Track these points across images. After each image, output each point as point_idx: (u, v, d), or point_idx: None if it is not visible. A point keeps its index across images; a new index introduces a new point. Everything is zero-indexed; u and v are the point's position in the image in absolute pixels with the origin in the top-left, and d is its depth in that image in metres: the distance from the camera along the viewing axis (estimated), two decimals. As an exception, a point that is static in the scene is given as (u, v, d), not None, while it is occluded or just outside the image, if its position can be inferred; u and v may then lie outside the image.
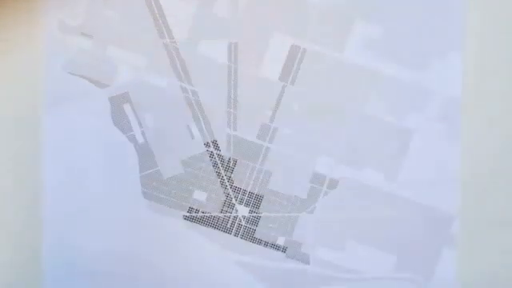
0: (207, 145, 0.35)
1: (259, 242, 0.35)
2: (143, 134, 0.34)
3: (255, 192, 0.35)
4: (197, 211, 0.35)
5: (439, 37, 0.35)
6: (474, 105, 0.35)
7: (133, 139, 0.34)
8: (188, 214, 0.35)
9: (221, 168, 0.35)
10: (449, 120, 0.35)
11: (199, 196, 0.35)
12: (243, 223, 0.35)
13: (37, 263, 0.34)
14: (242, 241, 0.35)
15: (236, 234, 0.35)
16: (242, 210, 0.35)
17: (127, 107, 0.34)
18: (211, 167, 0.35)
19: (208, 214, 0.35)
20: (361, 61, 0.35)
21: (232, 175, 0.35)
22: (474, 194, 0.35)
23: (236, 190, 0.35)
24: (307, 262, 0.35)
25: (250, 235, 0.35)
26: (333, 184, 0.35)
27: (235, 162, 0.35)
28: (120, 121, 0.34)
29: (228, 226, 0.35)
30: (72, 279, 0.34)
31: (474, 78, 0.35)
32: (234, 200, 0.35)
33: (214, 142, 0.35)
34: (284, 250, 0.35)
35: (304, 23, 0.35)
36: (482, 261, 0.35)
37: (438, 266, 0.34)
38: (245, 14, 0.35)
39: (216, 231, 0.35)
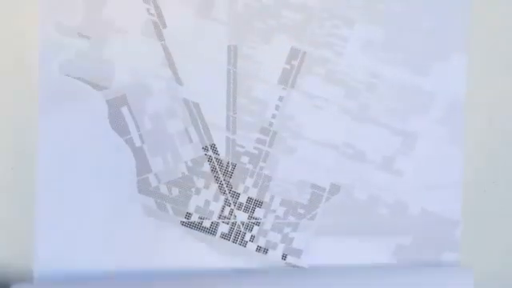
0: (206, 149, 0.34)
1: (258, 249, 0.34)
2: (141, 137, 0.34)
3: (254, 197, 0.34)
4: (194, 217, 0.34)
5: (442, 39, 0.34)
6: (477, 107, 0.34)
7: (130, 142, 0.34)
8: (185, 220, 0.34)
9: (219, 172, 0.34)
10: (452, 123, 0.34)
11: (197, 201, 0.34)
12: (242, 229, 0.34)
13: (30, 262, 0.33)
14: (241, 248, 0.34)
15: (234, 241, 0.34)
16: (241, 216, 0.34)
17: (125, 110, 0.34)
18: (209, 172, 0.34)
19: (206, 220, 0.34)
20: (362, 63, 0.34)
21: (231, 180, 0.34)
22: (476, 197, 0.34)
23: (235, 195, 0.34)
24: (307, 270, 0.34)
25: (248, 242, 0.34)
26: (335, 190, 0.34)
27: (234, 166, 0.34)
28: (117, 124, 0.34)
29: (226, 232, 0.34)
30: (66, 284, 0.33)
31: (477, 81, 0.34)
32: (232, 205, 0.34)
33: (213, 146, 0.34)
34: (284, 257, 0.34)
35: (304, 25, 0.34)
36: (485, 263, 0.34)
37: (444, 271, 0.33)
38: (244, 17, 0.34)
39: (214, 237, 0.34)
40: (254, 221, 0.34)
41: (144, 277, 0.33)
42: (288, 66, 0.34)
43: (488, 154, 0.34)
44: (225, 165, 0.34)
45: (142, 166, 0.34)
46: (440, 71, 0.34)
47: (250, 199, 0.34)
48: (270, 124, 0.34)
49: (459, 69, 0.34)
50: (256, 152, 0.34)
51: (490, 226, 0.34)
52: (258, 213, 0.34)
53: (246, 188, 0.34)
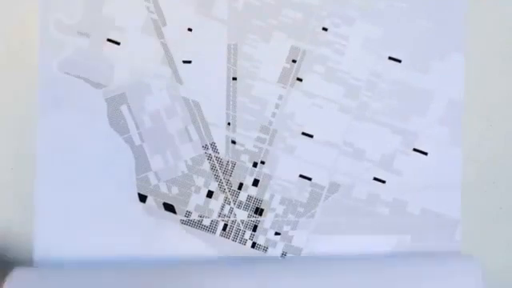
0: (205, 147, 0.34)
1: (258, 247, 0.34)
2: (140, 135, 0.34)
3: (254, 196, 0.34)
4: (194, 215, 0.34)
5: (441, 38, 0.35)
6: (475, 107, 0.35)
7: (129, 141, 0.34)
8: (185, 218, 0.34)
9: (219, 171, 0.34)
10: (451, 122, 0.34)
11: (197, 200, 0.34)
12: (241, 228, 0.34)
13: (30, 262, 0.33)
14: (241, 246, 0.34)
15: (234, 239, 0.34)
16: (241, 215, 0.34)
17: (124, 108, 0.34)
18: (209, 170, 0.34)
19: (206, 219, 0.34)
20: (361, 62, 0.34)
21: (230, 178, 0.34)
22: (476, 197, 0.34)
23: (234, 193, 0.34)
24: (307, 268, 0.34)
25: (248, 240, 0.34)
26: (334, 188, 0.34)
27: (234, 164, 0.34)
28: (117, 122, 0.34)
29: (226, 230, 0.34)
30: (65, 283, 0.33)
31: (476, 81, 0.35)
32: (232, 204, 0.34)
33: (213, 145, 0.34)
34: (283, 255, 0.34)
35: (304, 24, 0.34)
36: (485, 263, 0.34)
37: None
38: (244, 15, 0.34)
39: (214, 236, 0.34)
40: (253, 219, 0.34)
41: (144, 275, 0.33)
42: (288, 65, 0.34)
43: (488, 154, 0.35)
44: (225, 163, 0.34)
45: (142, 165, 0.34)
46: (439, 70, 0.34)
47: (249, 197, 0.34)
48: (270, 123, 0.34)
49: (457, 68, 0.35)
50: (256, 150, 0.34)
51: (489, 226, 0.34)
52: (258, 211, 0.34)
53: (246, 186, 0.34)
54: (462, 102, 0.34)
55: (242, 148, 0.34)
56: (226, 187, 0.34)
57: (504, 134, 0.35)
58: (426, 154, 0.34)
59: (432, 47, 0.35)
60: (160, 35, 0.34)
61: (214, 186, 0.34)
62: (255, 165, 0.34)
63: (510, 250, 0.35)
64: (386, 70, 0.34)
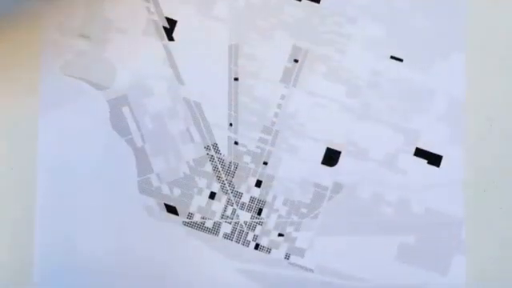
0: (207, 148, 0.34)
1: (261, 248, 0.34)
2: (142, 137, 0.34)
3: (257, 197, 0.34)
4: (197, 217, 0.34)
5: (442, 38, 0.34)
6: (476, 107, 0.34)
7: (131, 142, 0.33)
8: (188, 220, 0.34)
9: (221, 172, 0.34)
10: (452, 121, 0.34)
11: (199, 201, 0.34)
12: (244, 229, 0.34)
13: (30, 262, 0.33)
14: (244, 247, 0.34)
15: (237, 241, 0.34)
16: (244, 216, 0.34)
17: (126, 110, 0.34)
18: (211, 171, 0.34)
19: (208, 220, 0.34)
20: (364, 61, 0.34)
21: (233, 179, 0.34)
22: (476, 197, 0.34)
23: (237, 194, 0.34)
24: (310, 270, 0.33)
25: (251, 242, 0.34)
26: (337, 188, 0.34)
27: (236, 165, 0.34)
28: (118, 124, 0.33)
29: (229, 232, 0.34)
30: (66, 283, 0.32)
31: (477, 80, 0.34)
32: (235, 205, 0.34)
33: (215, 146, 0.34)
34: (287, 256, 0.34)
35: (305, 23, 0.34)
36: (485, 263, 0.33)
37: (449, 272, 0.33)
38: (245, 15, 0.34)
39: (216, 238, 0.34)
40: (256, 220, 0.34)
41: (146, 277, 0.33)
42: (290, 65, 0.34)
43: (488, 154, 0.34)
44: (227, 164, 0.34)
45: (144, 167, 0.33)
46: (440, 70, 0.34)
47: (252, 199, 0.34)
48: (272, 123, 0.34)
49: (459, 68, 0.34)
50: (258, 151, 0.34)
51: (489, 226, 0.34)
52: (261, 212, 0.34)
53: (249, 187, 0.34)
54: (463, 102, 0.34)
55: (245, 149, 0.34)
56: (228, 188, 0.34)
57: (504, 134, 0.34)
58: (427, 152, 0.34)
59: (434, 46, 0.34)
60: (161, 36, 0.34)
61: (216, 188, 0.34)
62: (258, 165, 0.34)
63: (509, 250, 0.34)
64: (388, 68, 0.34)
